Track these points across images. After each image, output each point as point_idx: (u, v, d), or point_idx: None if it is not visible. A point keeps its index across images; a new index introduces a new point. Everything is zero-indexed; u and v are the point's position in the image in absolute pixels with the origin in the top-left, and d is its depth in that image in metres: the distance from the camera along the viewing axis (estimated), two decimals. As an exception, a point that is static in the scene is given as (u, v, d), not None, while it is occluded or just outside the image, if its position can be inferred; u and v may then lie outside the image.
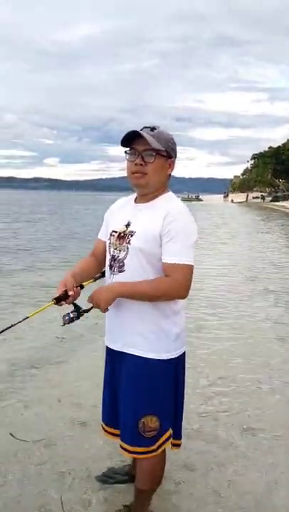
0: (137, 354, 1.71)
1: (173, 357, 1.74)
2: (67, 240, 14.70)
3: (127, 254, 1.69)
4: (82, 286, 1.81)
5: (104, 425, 1.95)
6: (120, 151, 1.73)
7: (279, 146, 76.40)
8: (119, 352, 1.77)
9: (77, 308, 1.73)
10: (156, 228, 1.64)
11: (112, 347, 1.82)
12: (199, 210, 37.33)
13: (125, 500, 2.02)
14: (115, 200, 1.97)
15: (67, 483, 2.17)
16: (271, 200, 65.29)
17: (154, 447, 1.75)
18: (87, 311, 1.75)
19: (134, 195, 1.85)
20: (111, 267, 1.75)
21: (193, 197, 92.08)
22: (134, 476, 1.94)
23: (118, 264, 1.72)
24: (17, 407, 2.95)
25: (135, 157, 1.68)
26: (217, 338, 4.55)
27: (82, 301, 1.71)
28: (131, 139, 1.68)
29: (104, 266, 1.86)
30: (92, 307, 1.70)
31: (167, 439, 1.79)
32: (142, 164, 1.67)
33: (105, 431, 1.94)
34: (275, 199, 64.89)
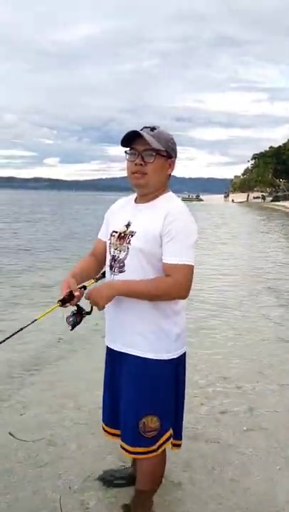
0: (137, 354, 1.71)
1: (173, 357, 1.74)
2: (68, 240, 14.69)
3: (127, 254, 1.69)
4: (84, 287, 1.81)
5: (104, 426, 1.94)
6: (120, 151, 1.73)
7: (280, 146, 76.45)
8: (120, 352, 1.77)
9: (80, 309, 1.73)
10: (157, 228, 1.64)
11: (112, 347, 1.82)
12: (200, 210, 37.33)
13: (125, 501, 2.01)
14: (115, 200, 1.97)
15: (67, 484, 2.16)
16: (272, 200, 65.29)
17: (154, 447, 1.74)
18: (89, 313, 1.74)
19: (134, 195, 1.85)
20: (111, 267, 1.75)
21: (194, 197, 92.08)
22: (134, 476, 1.94)
23: (118, 265, 1.71)
24: (17, 407, 2.94)
25: (135, 157, 1.68)
26: (218, 338, 4.55)
27: (84, 302, 1.71)
28: (131, 139, 1.68)
29: (104, 266, 1.86)
30: (92, 308, 1.70)
31: (167, 439, 1.79)
32: (141, 164, 1.67)
33: (106, 431, 1.94)
34: (276, 199, 64.89)
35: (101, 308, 1.65)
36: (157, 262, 1.66)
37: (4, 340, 1.71)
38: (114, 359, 1.82)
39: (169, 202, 1.72)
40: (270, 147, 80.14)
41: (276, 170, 75.16)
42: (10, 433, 2.59)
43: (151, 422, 1.72)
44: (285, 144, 74.14)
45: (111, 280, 1.73)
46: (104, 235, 1.90)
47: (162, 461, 1.86)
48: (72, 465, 2.32)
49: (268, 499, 2.12)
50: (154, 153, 1.66)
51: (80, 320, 1.72)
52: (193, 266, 1.65)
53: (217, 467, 2.35)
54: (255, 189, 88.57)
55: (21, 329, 1.73)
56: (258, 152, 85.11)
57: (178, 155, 1.77)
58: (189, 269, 1.64)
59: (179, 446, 1.89)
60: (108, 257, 1.79)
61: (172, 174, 1.78)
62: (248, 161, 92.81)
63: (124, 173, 1.77)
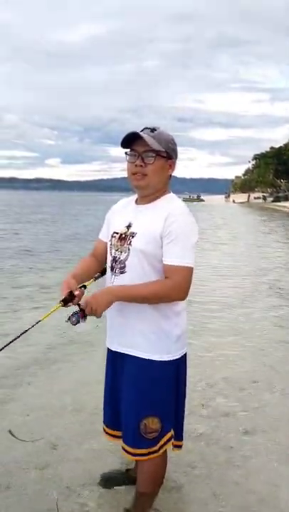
0: (138, 355, 1.71)
1: (174, 358, 1.74)
2: (69, 240, 14.70)
3: (128, 255, 1.69)
4: (84, 287, 1.81)
5: (105, 427, 1.94)
6: (121, 151, 1.72)
7: (281, 147, 76.45)
8: (121, 353, 1.77)
9: (82, 309, 1.73)
10: (157, 230, 1.64)
11: (113, 348, 1.82)
12: (200, 210, 37.33)
13: (125, 503, 2.01)
14: (117, 201, 1.97)
15: (67, 486, 2.16)
16: (273, 201, 65.24)
17: (155, 448, 1.74)
18: None
19: (135, 196, 1.85)
20: (112, 268, 1.75)
21: (195, 197, 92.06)
22: (135, 478, 1.94)
23: (119, 266, 1.71)
24: (17, 409, 2.94)
25: (135, 158, 1.68)
26: (219, 339, 4.54)
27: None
28: (131, 140, 1.68)
29: (104, 265, 1.86)
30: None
31: (168, 440, 1.79)
32: (141, 165, 1.67)
33: (107, 433, 1.94)
34: (277, 199, 64.84)
35: (99, 315, 1.62)
36: (158, 263, 1.65)
37: (9, 343, 1.71)
38: (115, 360, 1.82)
39: (170, 203, 1.72)
40: (271, 147, 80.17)
41: (277, 170, 75.15)
42: (10, 431, 2.59)
43: (152, 423, 1.71)
44: (285, 145, 74.12)
45: (112, 284, 1.73)
46: (104, 236, 1.90)
47: (163, 463, 1.86)
48: (72, 466, 2.31)
49: (270, 500, 2.11)
50: (154, 155, 1.65)
51: (84, 317, 1.70)
52: (192, 268, 1.65)
53: (218, 468, 2.34)
54: (256, 189, 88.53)
55: (26, 331, 1.73)
56: (258, 152, 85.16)
57: (178, 155, 1.76)
58: (189, 271, 1.63)
59: (180, 447, 1.89)
60: (109, 258, 1.79)
61: (173, 175, 1.77)
62: (249, 162, 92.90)
63: (125, 174, 1.76)
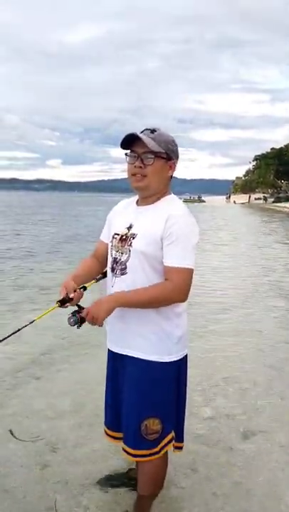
0: (139, 357, 1.71)
1: (175, 359, 1.74)
2: (70, 241, 14.70)
3: (129, 256, 1.69)
4: (84, 288, 1.81)
5: (106, 429, 1.94)
6: (122, 152, 1.72)
7: (281, 148, 76.43)
8: (121, 354, 1.77)
9: (80, 309, 1.73)
10: (158, 231, 1.64)
11: (113, 350, 1.82)
12: (201, 211, 37.29)
13: (125, 505, 2.01)
14: (118, 202, 1.97)
15: (67, 487, 2.16)
16: (273, 202, 65.16)
17: (156, 449, 1.74)
18: None
19: (136, 197, 1.85)
20: (113, 269, 1.75)
21: (196, 198, 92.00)
22: (135, 479, 1.94)
23: (120, 267, 1.71)
24: (18, 409, 2.94)
25: (135, 159, 1.68)
26: (220, 340, 4.53)
27: (87, 303, 1.70)
28: (130, 141, 1.68)
29: (106, 266, 1.86)
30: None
31: (169, 442, 1.79)
32: (141, 167, 1.67)
33: (108, 435, 1.94)
34: (278, 200, 64.78)
35: (100, 323, 1.61)
36: (159, 264, 1.65)
37: (1, 340, 1.72)
38: (116, 361, 1.82)
39: (171, 204, 1.72)
40: (272, 148, 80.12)
41: (278, 171, 75.10)
42: (10, 431, 2.59)
43: (153, 425, 1.71)
44: (286, 145, 74.09)
45: (112, 286, 1.73)
46: (105, 237, 1.90)
47: (164, 464, 1.86)
48: (73, 467, 2.31)
49: (271, 501, 2.11)
50: (153, 156, 1.65)
51: (82, 323, 1.71)
52: (193, 270, 1.65)
53: (219, 469, 2.34)
54: (256, 190, 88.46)
55: (19, 330, 1.74)
56: (259, 153, 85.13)
57: (179, 156, 1.76)
58: (189, 273, 1.64)
59: (180, 448, 1.89)
60: (110, 259, 1.79)
61: (173, 176, 1.77)
62: (250, 162, 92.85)
63: (126, 175, 1.76)
